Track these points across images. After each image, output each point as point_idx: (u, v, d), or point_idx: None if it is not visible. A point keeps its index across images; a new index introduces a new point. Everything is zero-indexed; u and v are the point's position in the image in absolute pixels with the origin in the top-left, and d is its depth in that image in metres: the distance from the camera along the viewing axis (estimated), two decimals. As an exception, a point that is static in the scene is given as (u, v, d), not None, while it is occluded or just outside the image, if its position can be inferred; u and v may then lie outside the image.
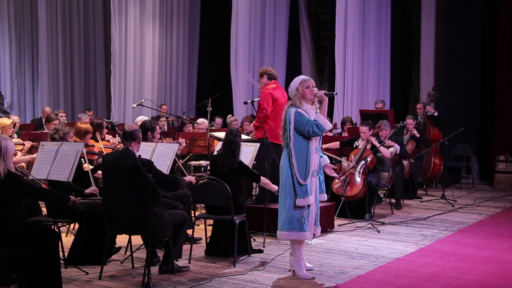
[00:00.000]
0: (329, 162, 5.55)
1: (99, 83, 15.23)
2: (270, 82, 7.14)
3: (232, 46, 13.26)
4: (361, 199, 7.57)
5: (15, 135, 7.84)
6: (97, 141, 6.81)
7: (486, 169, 11.35)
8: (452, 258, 5.76)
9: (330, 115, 11.66)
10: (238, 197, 5.74)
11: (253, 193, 8.40)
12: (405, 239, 6.64)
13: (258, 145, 6.59)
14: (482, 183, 11.32)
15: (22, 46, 15.61)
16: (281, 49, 13.65)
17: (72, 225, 6.61)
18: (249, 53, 13.35)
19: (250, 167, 6.17)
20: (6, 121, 7.13)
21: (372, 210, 7.79)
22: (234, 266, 5.48)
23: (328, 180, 7.04)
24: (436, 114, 10.82)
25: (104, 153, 6.40)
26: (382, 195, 9.09)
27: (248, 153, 6.41)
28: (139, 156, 4.88)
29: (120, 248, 5.83)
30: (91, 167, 5.79)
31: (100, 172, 5.71)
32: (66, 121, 10.71)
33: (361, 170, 7.67)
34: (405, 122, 9.60)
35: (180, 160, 7.33)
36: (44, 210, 5.94)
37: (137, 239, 5.86)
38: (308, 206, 5.04)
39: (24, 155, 6.92)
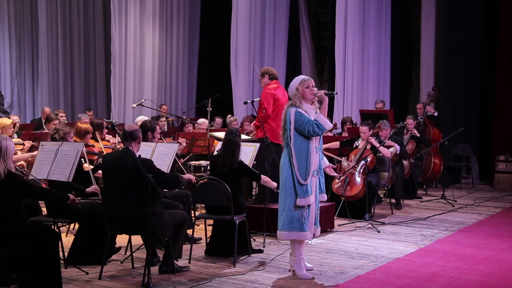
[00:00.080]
0: (328, 163, 5.55)
1: (99, 83, 15.23)
2: (272, 82, 7.14)
3: (232, 46, 13.26)
4: (361, 199, 7.57)
5: (15, 135, 7.84)
6: (97, 141, 6.80)
7: (486, 169, 11.36)
8: (452, 258, 5.77)
9: (330, 115, 11.66)
10: (238, 197, 5.74)
11: (253, 193, 8.41)
12: (405, 239, 6.64)
13: (258, 145, 6.60)
14: (482, 183, 11.32)
15: (22, 46, 15.60)
16: (281, 49, 13.65)
17: (72, 225, 6.61)
18: (249, 53, 13.35)
19: (250, 167, 6.17)
20: (6, 121, 7.13)
21: (372, 210, 7.79)
22: (234, 266, 5.48)
23: (328, 180, 7.04)
24: (436, 114, 10.82)
25: (104, 153, 6.40)
26: (382, 195, 9.09)
27: (248, 153, 6.41)
28: (139, 156, 4.89)
29: (120, 248, 5.83)
30: (92, 166, 5.79)
31: (100, 171, 5.71)
32: (66, 121, 10.70)
33: (361, 170, 7.67)
34: (405, 122, 9.61)
35: (181, 160, 7.34)
36: (44, 210, 5.94)
37: (137, 239, 5.86)
38: (309, 206, 5.04)
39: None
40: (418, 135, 9.58)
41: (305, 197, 4.99)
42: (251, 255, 5.85)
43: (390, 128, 8.59)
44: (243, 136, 7.63)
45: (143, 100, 9.23)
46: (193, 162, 7.63)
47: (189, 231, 5.94)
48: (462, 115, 11.25)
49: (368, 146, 7.90)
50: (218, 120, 11.63)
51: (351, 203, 7.58)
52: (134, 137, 5.02)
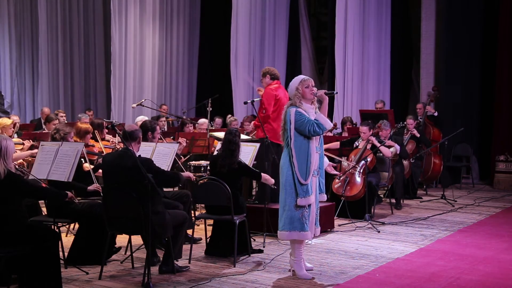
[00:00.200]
0: (328, 162, 5.56)
1: (99, 83, 15.23)
2: (273, 82, 7.13)
3: (232, 46, 13.27)
4: (361, 199, 7.57)
5: (15, 135, 7.83)
6: (97, 141, 6.80)
7: (486, 169, 11.36)
8: (452, 258, 5.77)
9: (330, 115, 11.66)
10: (238, 197, 5.74)
11: (253, 193, 8.40)
12: (405, 239, 6.64)
13: (258, 145, 6.60)
14: (482, 183, 11.32)
15: (22, 46, 15.60)
16: (281, 49, 13.65)
17: (72, 225, 6.61)
18: (249, 53, 13.36)
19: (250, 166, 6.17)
20: (6, 121, 7.12)
21: (372, 210, 7.79)
22: (234, 266, 5.48)
23: (328, 180, 7.04)
24: (436, 114, 10.82)
25: (104, 153, 6.40)
26: (382, 195, 9.09)
27: (248, 153, 6.41)
28: (139, 155, 4.89)
29: (120, 248, 5.83)
30: (92, 166, 5.79)
31: (100, 171, 5.71)
32: (66, 121, 10.70)
33: (361, 170, 7.67)
34: (405, 122, 9.60)
35: (182, 158, 7.33)
36: (44, 210, 5.94)
37: (137, 239, 5.86)
38: (309, 205, 5.04)
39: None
40: (418, 135, 9.58)
41: (306, 196, 4.99)
42: (251, 255, 5.85)
43: (390, 128, 8.59)
44: (243, 136, 7.62)
45: (143, 100, 9.23)
46: (193, 162, 7.63)
47: (189, 231, 5.94)
48: (462, 115, 11.25)
49: (368, 146, 7.90)
50: (218, 120, 11.63)
51: (351, 203, 7.58)
52: (134, 137, 5.02)
